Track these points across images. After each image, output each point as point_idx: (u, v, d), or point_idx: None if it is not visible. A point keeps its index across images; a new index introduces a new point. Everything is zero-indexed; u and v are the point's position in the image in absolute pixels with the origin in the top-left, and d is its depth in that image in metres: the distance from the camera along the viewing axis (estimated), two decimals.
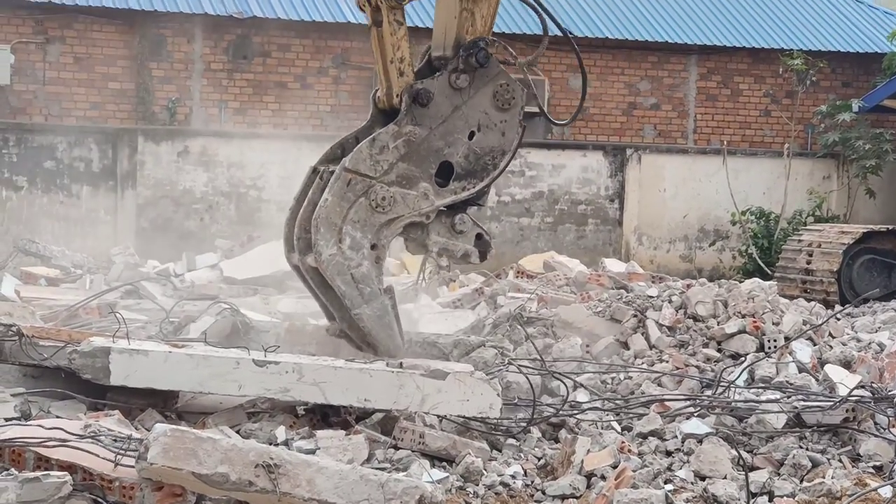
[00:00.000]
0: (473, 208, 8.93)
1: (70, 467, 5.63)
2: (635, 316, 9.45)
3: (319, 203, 8.32)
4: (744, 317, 9.08)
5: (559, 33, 9.19)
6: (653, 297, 9.72)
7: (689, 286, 9.97)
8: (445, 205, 8.66)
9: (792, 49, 20.57)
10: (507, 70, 8.84)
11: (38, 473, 5.43)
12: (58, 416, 6.69)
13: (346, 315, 8.40)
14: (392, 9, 8.47)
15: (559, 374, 8.43)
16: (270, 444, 6.44)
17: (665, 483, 6.64)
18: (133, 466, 5.48)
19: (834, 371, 8.14)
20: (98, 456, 5.72)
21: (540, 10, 8.99)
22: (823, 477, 6.73)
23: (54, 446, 5.79)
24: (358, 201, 8.34)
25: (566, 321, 9.73)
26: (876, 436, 7.32)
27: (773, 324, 9.04)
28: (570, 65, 20.32)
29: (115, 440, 5.93)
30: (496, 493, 6.45)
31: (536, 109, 10.94)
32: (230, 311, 9.41)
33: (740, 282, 10.45)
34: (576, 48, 9.65)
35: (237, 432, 6.85)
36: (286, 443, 6.74)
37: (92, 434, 5.98)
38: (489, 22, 8.79)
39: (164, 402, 7.20)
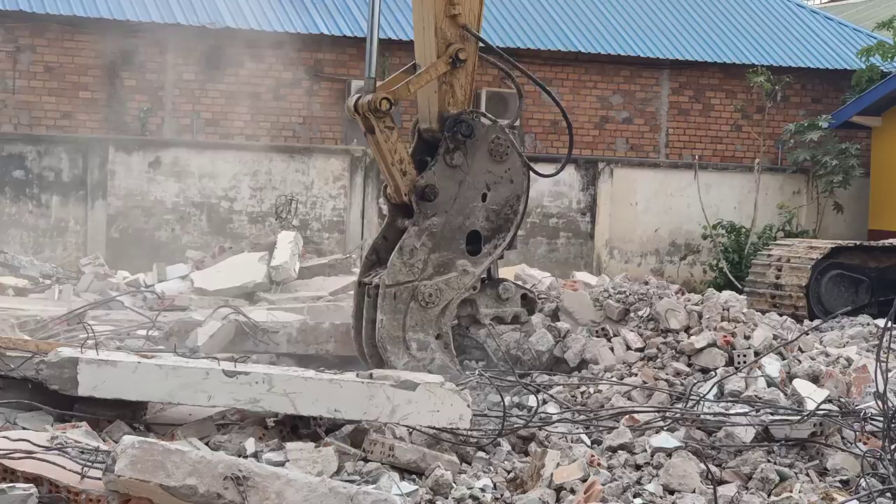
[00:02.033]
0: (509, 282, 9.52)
1: (36, 479, 5.60)
2: (626, 310, 9.70)
3: (377, 324, 8.88)
4: (716, 330, 9.11)
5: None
6: (643, 295, 9.92)
7: (680, 292, 10.12)
8: (486, 268, 9.23)
9: (761, 65, 20.69)
10: (490, 126, 9.27)
11: (3, 486, 5.40)
12: (24, 428, 6.64)
13: None
14: (380, 118, 8.93)
15: (529, 386, 8.46)
16: (240, 455, 6.43)
17: (634, 497, 6.65)
18: (100, 479, 5.45)
19: (802, 385, 8.18)
20: (65, 468, 5.68)
21: (514, 71, 9.62)
22: (791, 491, 6.76)
23: (20, 458, 5.75)
24: (409, 308, 8.90)
25: (567, 308, 9.99)
26: (843, 450, 7.36)
27: (745, 337, 9.08)
28: (542, 77, 20.36)
29: (83, 452, 5.90)
30: None
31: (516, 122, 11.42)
32: (234, 314, 9.60)
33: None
34: (562, 108, 10.39)
35: (206, 444, 6.83)
36: (255, 455, 6.71)
37: (59, 446, 5.94)
38: (468, 90, 9.23)
39: (132, 414, 7.16)
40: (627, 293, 10.07)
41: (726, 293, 9.82)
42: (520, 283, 9.67)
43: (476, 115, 9.26)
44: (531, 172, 9.52)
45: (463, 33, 9.12)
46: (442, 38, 9.08)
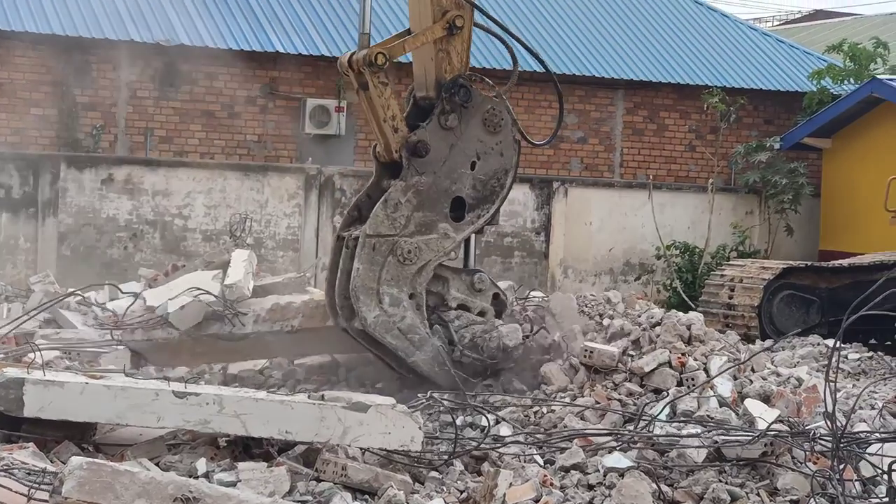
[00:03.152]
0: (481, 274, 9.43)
1: None
2: (593, 319, 9.74)
3: (352, 273, 8.85)
4: (671, 350, 9.13)
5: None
6: (612, 303, 9.98)
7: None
8: (466, 236, 9.24)
9: (714, 86, 20.85)
10: (487, 97, 9.34)
11: None
12: None
13: (404, 364, 8.95)
14: (374, 73, 8.89)
15: (481, 407, 8.45)
16: (191, 476, 6.37)
17: None
18: (47, 501, 5.38)
19: (753, 405, 8.22)
20: (11, 490, 5.60)
21: (511, 40, 9.67)
22: None
23: None
24: (387, 261, 8.87)
25: (553, 310, 10.00)
26: (793, 470, 7.39)
27: (702, 354, 9.12)
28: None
29: (29, 473, 5.83)
30: None
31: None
32: (202, 295, 9.62)
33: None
34: (556, 82, 10.42)
35: (157, 465, 6.76)
36: (207, 475, 6.65)
37: (5, 467, 5.87)
38: (465, 58, 9.26)
39: (81, 435, 7.08)
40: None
41: (692, 314, 9.83)
42: (497, 283, 9.62)
43: (476, 78, 9.37)
44: (522, 142, 9.61)
45: (458, 0, 9.18)
46: (437, 5, 9.13)
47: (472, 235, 9.53)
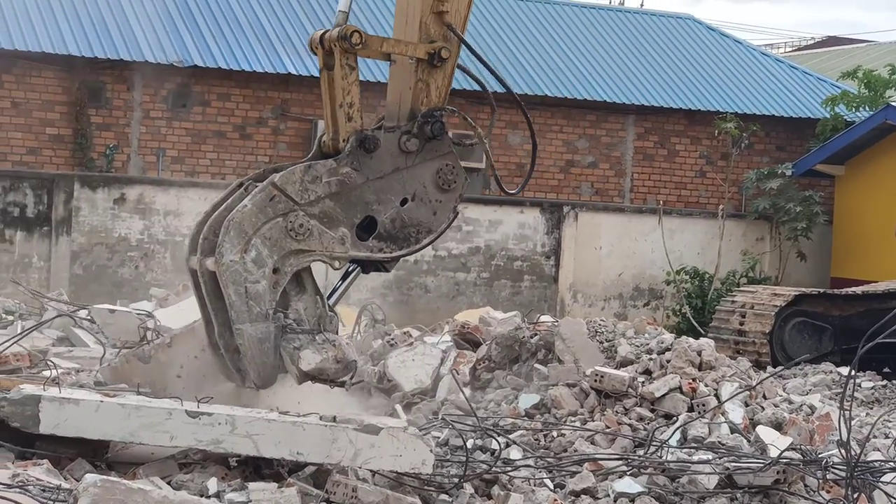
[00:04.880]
0: (379, 273, 8.72)
1: None
2: (603, 353, 9.65)
3: (237, 207, 8.10)
4: (681, 376, 9.12)
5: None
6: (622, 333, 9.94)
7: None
8: (358, 258, 8.43)
9: (727, 112, 20.89)
10: (455, 153, 8.70)
11: None
12: None
13: (227, 331, 8.12)
14: (345, 52, 8.30)
15: (492, 430, 8.43)
16: (202, 495, 6.39)
17: None
18: None
19: (765, 432, 8.20)
20: None
21: (485, 86, 8.97)
22: None
23: None
24: (275, 220, 8.10)
25: (563, 335, 9.79)
26: (805, 498, 7.38)
27: (713, 380, 9.10)
28: (508, 121, 20.51)
29: (44, 490, 5.85)
30: None
31: (481, 165, 11.01)
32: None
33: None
34: (529, 122, 9.68)
35: (168, 483, 6.78)
36: (218, 495, 6.67)
37: (20, 484, 5.89)
38: (444, 93, 8.71)
39: (94, 452, 7.10)
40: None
41: (703, 340, 9.80)
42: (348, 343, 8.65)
43: (457, 115, 8.88)
44: (502, 190, 9.17)
45: (447, 33, 8.67)
46: (425, 34, 8.64)
47: (358, 273, 8.73)
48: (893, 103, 20.42)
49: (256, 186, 8.31)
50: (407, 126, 8.56)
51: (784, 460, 7.56)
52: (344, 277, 8.77)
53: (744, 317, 15.29)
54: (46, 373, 8.65)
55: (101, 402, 6.94)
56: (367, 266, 8.62)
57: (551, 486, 7.62)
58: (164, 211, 17.85)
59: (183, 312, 13.59)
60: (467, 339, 10.95)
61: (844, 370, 12.82)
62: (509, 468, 7.78)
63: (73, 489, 5.41)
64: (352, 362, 8.27)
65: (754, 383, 9.30)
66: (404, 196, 8.53)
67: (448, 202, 8.69)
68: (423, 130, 8.54)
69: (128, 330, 9.91)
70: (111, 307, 9.90)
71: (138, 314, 10.12)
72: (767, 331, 14.93)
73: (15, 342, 10.17)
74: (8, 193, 17.25)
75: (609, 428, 8.72)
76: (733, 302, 15.74)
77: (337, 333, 8.47)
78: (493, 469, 7.66)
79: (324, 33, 8.42)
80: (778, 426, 8.46)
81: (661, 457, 7.89)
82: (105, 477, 5.50)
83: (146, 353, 8.93)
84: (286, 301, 8.33)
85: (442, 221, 8.67)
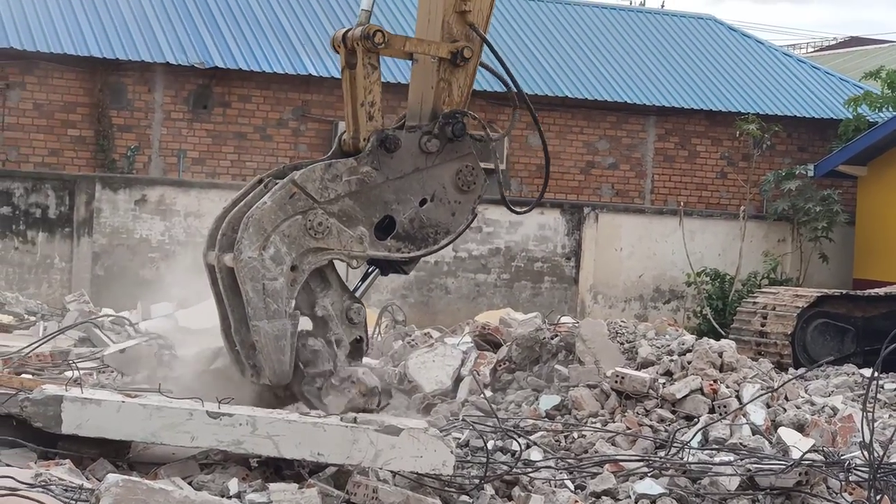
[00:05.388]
0: (398, 274, 8.73)
1: None
2: (623, 354, 9.62)
3: (257, 204, 8.10)
4: (703, 377, 9.10)
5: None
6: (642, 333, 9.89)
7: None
8: (377, 258, 8.45)
9: (748, 113, 20.82)
10: (475, 154, 8.68)
11: None
12: (7, 465, 6.61)
13: (243, 327, 8.12)
14: (368, 51, 8.33)
15: (513, 431, 8.43)
16: (223, 496, 6.40)
17: None
18: None
19: (787, 434, 8.17)
20: None
21: (510, 83, 8.94)
22: None
23: (4, 495, 5.71)
24: (294, 217, 8.11)
25: (583, 336, 9.77)
26: (828, 500, 7.35)
27: (735, 381, 9.07)
28: (529, 123, 20.45)
29: (66, 490, 5.87)
30: None
31: (502, 167, 10.87)
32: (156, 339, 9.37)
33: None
34: (542, 136, 9.69)
35: (189, 483, 6.79)
36: (238, 495, 6.68)
37: (42, 483, 5.91)
38: (466, 92, 8.70)
39: (116, 452, 7.12)
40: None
41: (724, 341, 9.77)
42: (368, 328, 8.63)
43: (479, 122, 8.75)
44: (508, 209, 9.19)
45: (469, 32, 8.66)
46: (447, 33, 8.63)
47: (377, 275, 8.75)
48: None
49: (276, 183, 8.32)
50: (428, 126, 8.56)
51: (806, 462, 7.53)
52: (364, 278, 8.81)
53: (765, 318, 15.24)
54: (69, 373, 8.71)
55: (123, 402, 6.97)
56: (386, 268, 8.67)
57: (572, 488, 7.60)
58: (185, 212, 17.89)
59: (204, 313, 13.64)
60: (488, 341, 10.91)
61: (867, 372, 12.77)
62: (530, 469, 7.77)
63: (95, 489, 5.43)
64: (374, 388, 8.22)
65: (776, 385, 9.26)
66: (423, 196, 8.54)
67: (467, 203, 8.68)
68: (443, 131, 8.54)
69: (140, 359, 9.85)
70: (121, 346, 9.79)
71: (148, 343, 10.04)
72: (789, 332, 14.87)
73: (40, 346, 10.25)
74: (30, 195, 17.32)
75: (630, 429, 8.70)
76: (755, 303, 15.69)
77: (365, 323, 8.52)
78: (514, 470, 7.65)
79: (346, 32, 8.44)
80: (800, 428, 8.43)
81: (682, 458, 7.87)
82: (126, 477, 5.52)
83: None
84: (312, 298, 8.36)
85: (460, 223, 8.68)
